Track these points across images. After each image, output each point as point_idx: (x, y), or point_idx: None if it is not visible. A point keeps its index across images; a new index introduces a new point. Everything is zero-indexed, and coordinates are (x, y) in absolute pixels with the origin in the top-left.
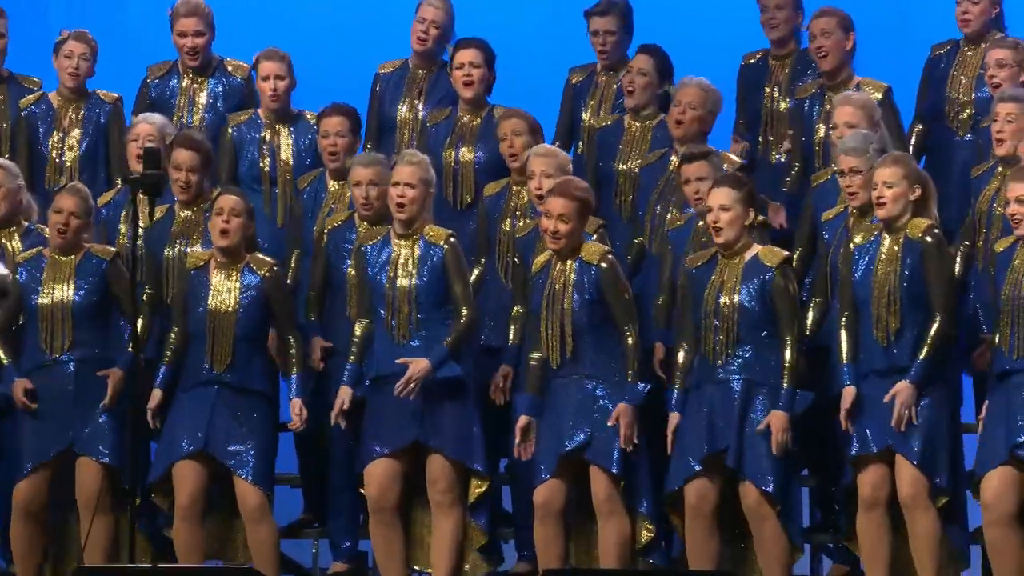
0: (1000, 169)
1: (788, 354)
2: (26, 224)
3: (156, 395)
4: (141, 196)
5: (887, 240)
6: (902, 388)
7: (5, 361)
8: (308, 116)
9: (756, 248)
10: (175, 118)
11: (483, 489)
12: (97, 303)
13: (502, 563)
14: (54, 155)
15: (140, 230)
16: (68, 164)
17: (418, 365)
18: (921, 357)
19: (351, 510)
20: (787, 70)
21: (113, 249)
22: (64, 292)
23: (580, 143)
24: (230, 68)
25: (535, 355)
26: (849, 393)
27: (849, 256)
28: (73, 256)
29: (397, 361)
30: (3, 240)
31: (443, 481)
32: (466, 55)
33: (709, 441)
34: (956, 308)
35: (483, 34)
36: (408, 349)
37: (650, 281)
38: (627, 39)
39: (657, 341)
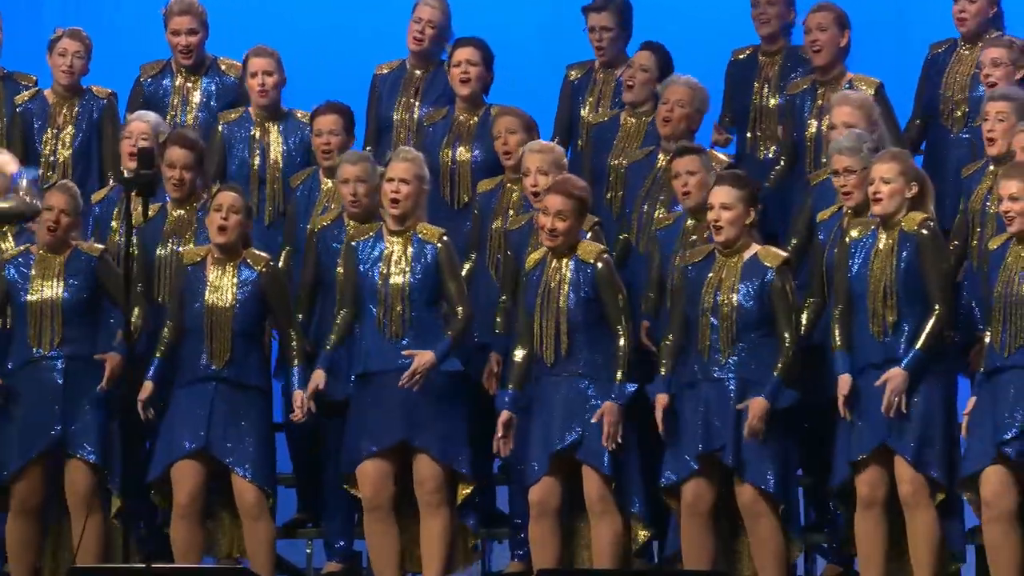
0: (992, 168)
1: (784, 351)
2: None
3: (147, 387)
4: (134, 196)
5: (883, 236)
6: (894, 374)
7: None
8: (299, 114)
9: (755, 248)
10: (168, 117)
11: (469, 491)
12: (86, 300)
13: (479, 558)
14: (47, 152)
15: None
16: (61, 161)
17: (423, 357)
18: (917, 346)
19: (346, 510)
20: (776, 67)
21: (100, 246)
22: (53, 290)
23: (579, 140)
24: (224, 67)
25: (520, 351)
26: (845, 381)
27: (845, 250)
28: (62, 254)
29: (404, 353)
30: None
31: (431, 482)
32: (463, 53)
33: (704, 440)
34: (954, 299)
35: (482, 33)
36: (399, 346)
37: (635, 277)
38: (625, 36)
39: (644, 321)
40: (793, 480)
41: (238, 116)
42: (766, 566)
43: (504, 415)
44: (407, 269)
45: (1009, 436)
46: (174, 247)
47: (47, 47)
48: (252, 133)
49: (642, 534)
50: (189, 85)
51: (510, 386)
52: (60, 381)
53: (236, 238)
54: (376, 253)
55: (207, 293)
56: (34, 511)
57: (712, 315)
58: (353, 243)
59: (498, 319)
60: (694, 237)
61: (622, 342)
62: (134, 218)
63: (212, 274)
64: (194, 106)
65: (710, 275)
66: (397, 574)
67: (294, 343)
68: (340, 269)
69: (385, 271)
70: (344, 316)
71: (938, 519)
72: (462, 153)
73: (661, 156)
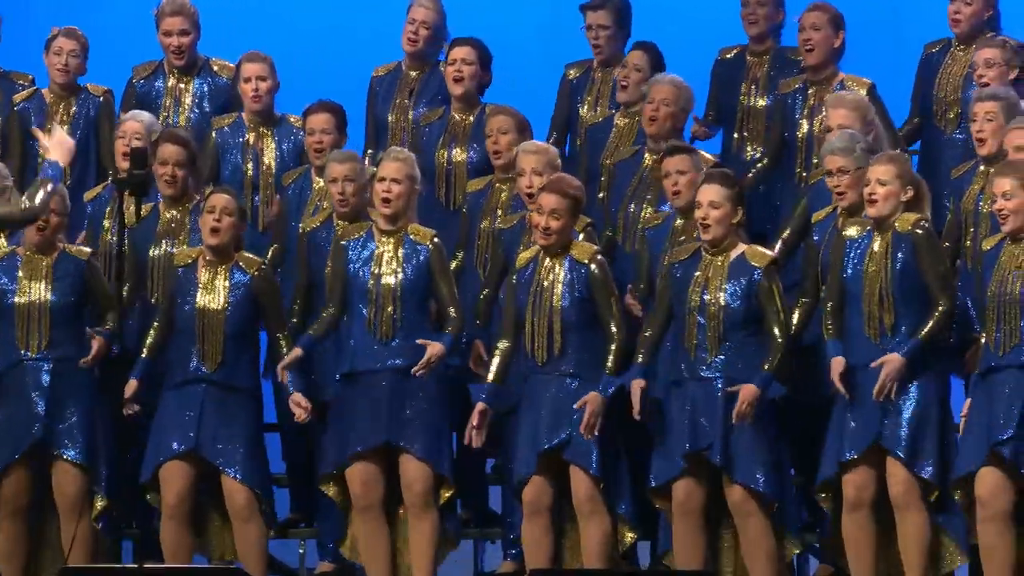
0: (982, 168)
1: (776, 347)
2: None
3: (132, 384)
4: (127, 195)
5: (877, 236)
6: (892, 359)
7: None
8: (292, 119)
9: (742, 247)
10: (161, 118)
11: (450, 494)
12: (74, 304)
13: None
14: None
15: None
16: None
17: (436, 347)
18: (920, 335)
19: (339, 510)
20: (765, 67)
21: (88, 250)
22: (41, 292)
23: (578, 139)
24: (216, 68)
25: (502, 345)
26: (838, 361)
27: (840, 249)
28: (49, 255)
29: (418, 341)
30: None
31: (419, 484)
32: (459, 52)
33: (692, 439)
34: (955, 295)
35: (480, 33)
36: (390, 347)
37: (620, 275)
38: (622, 35)
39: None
40: (786, 478)
41: (231, 122)
42: (757, 566)
43: (479, 406)
44: (399, 270)
45: (1004, 437)
46: (167, 248)
47: (44, 46)
48: (246, 139)
49: (629, 536)
50: (181, 86)
51: (489, 379)
52: (47, 384)
53: (229, 240)
54: (367, 253)
55: (199, 295)
56: (21, 512)
57: (699, 314)
58: (343, 242)
59: (479, 309)
60: (683, 237)
61: (614, 343)
62: (127, 218)
63: (204, 276)
64: (186, 107)
65: (697, 274)
66: (389, 573)
67: (284, 349)
68: (329, 268)
69: (376, 271)
70: (331, 313)
71: (929, 520)
72: (457, 154)
73: (648, 155)
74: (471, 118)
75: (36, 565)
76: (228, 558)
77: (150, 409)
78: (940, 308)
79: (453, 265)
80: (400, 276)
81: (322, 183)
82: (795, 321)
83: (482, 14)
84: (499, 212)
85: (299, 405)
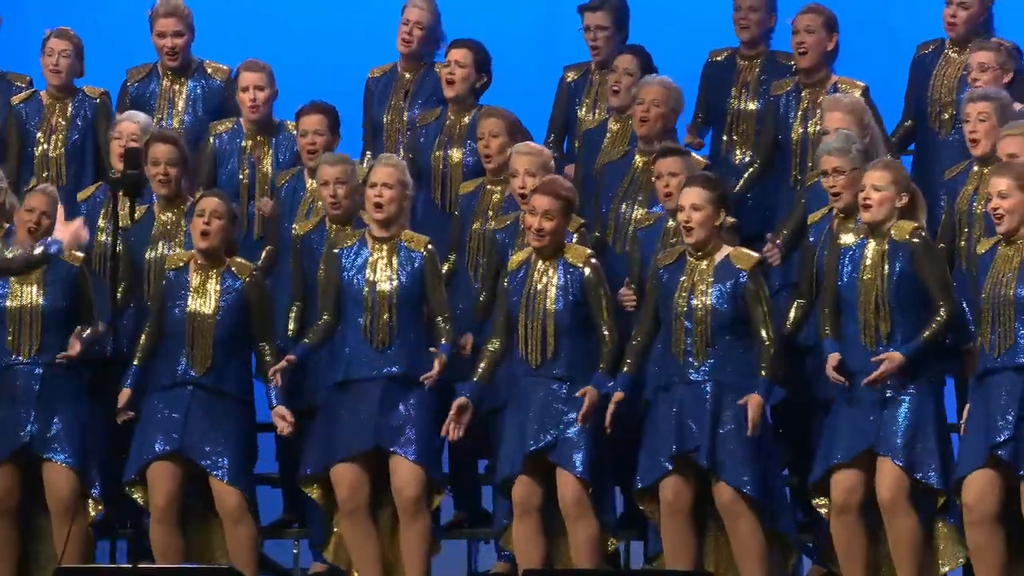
0: (976, 168)
1: (765, 350)
2: (7, 226)
3: (125, 393)
4: (121, 196)
5: (872, 244)
6: (893, 356)
7: None
8: (290, 126)
9: (727, 249)
10: (155, 120)
11: (441, 498)
12: (65, 309)
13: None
14: (38, 152)
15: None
16: (52, 159)
17: (443, 359)
18: (923, 336)
19: (322, 512)
20: (756, 71)
21: (81, 255)
22: (32, 296)
23: (576, 141)
24: (210, 70)
25: (491, 345)
26: (834, 356)
27: (835, 256)
28: None
29: (431, 349)
30: None
31: (410, 488)
32: (454, 54)
33: (678, 441)
34: (956, 300)
35: (478, 34)
36: (386, 354)
37: (611, 276)
38: (620, 36)
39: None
40: (777, 480)
41: (229, 128)
42: (747, 567)
43: (460, 400)
44: (393, 277)
45: (1001, 439)
46: (163, 251)
47: (40, 48)
48: (243, 145)
49: (611, 542)
50: (176, 87)
51: (475, 379)
52: (37, 388)
53: (219, 244)
54: (360, 260)
55: (189, 299)
56: (11, 512)
57: (686, 319)
58: (335, 250)
59: (477, 313)
60: (675, 239)
61: (608, 345)
62: (121, 218)
63: (195, 280)
64: (180, 110)
65: (682, 278)
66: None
67: (268, 358)
68: (321, 273)
69: (371, 278)
70: (326, 321)
71: (919, 525)
72: (453, 155)
73: (638, 157)
74: (467, 119)
75: (31, 567)
76: (218, 561)
77: (140, 413)
78: (942, 312)
79: (445, 268)
80: (395, 283)
81: (315, 184)
82: (791, 322)
83: (479, 15)
84: (490, 213)
85: (283, 419)
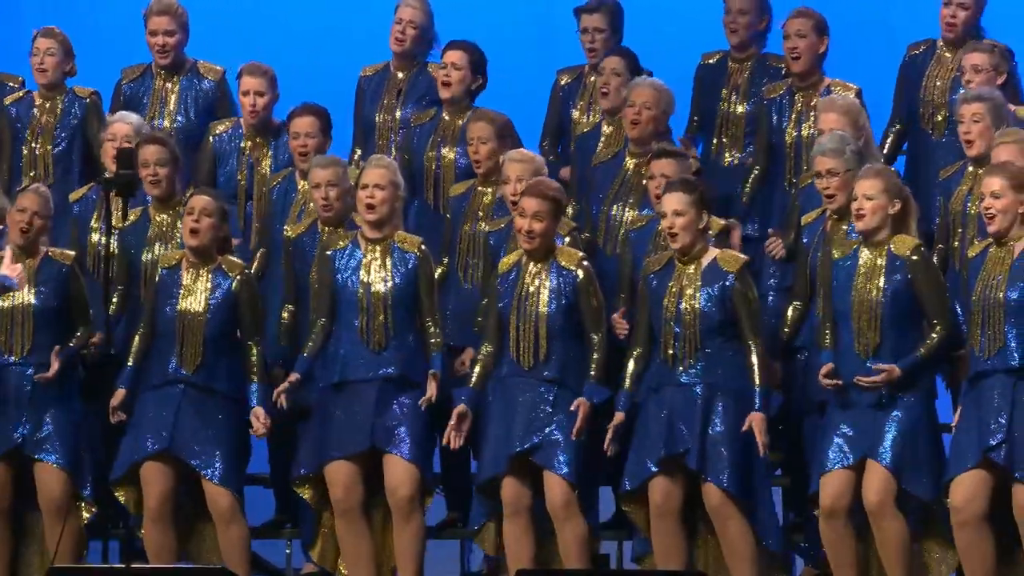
0: (971, 169)
1: (755, 357)
2: (0, 227)
3: (120, 393)
4: (114, 196)
5: (865, 253)
6: (893, 370)
7: None
8: None
9: (714, 252)
10: (147, 119)
11: (431, 498)
12: (56, 308)
13: None
14: (26, 152)
15: (114, 230)
16: (39, 157)
17: (433, 387)
18: (920, 353)
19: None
20: (746, 74)
21: (72, 253)
22: (23, 295)
23: (571, 144)
24: (203, 71)
25: (485, 350)
26: (827, 367)
27: (828, 268)
28: (32, 257)
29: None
30: None
31: (404, 488)
32: (450, 56)
33: (668, 444)
34: (954, 317)
35: (473, 35)
36: (382, 356)
37: (600, 278)
38: (616, 39)
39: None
40: (765, 487)
41: (229, 128)
42: (738, 568)
43: (460, 407)
44: (387, 278)
45: (994, 442)
46: (160, 251)
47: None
48: (242, 146)
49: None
50: (168, 86)
51: (471, 384)
52: (28, 388)
53: (209, 242)
54: (353, 262)
55: (181, 298)
56: (4, 513)
57: (675, 323)
58: (328, 252)
59: (479, 319)
60: (664, 242)
61: (598, 352)
62: (114, 219)
63: (186, 278)
64: (172, 110)
65: (671, 283)
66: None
67: (254, 359)
68: (313, 275)
69: (366, 280)
70: (323, 325)
71: (907, 528)
72: (446, 155)
73: (629, 158)
74: (461, 120)
75: (23, 567)
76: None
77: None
78: (939, 330)
79: (439, 271)
80: (390, 284)
81: (306, 186)
82: (788, 325)
83: (474, 16)
84: (480, 214)
85: (258, 419)
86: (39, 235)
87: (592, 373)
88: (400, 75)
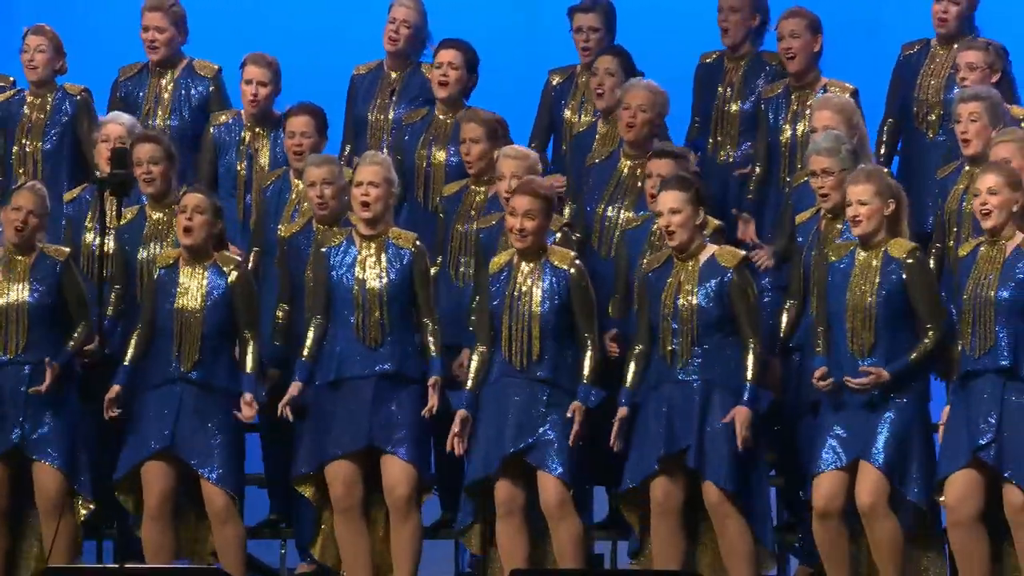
0: (967, 168)
1: (751, 353)
2: None
3: (114, 390)
4: (108, 196)
5: (861, 255)
6: (882, 373)
7: None
8: None
9: (711, 249)
10: (143, 116)
11: (428, 496)
12: (51, 306)
13: None
14: (16, 150)
15: (110, 229)
16: (28, 154)
17: (438, 384)
18: (911, 358)
19: (312, 509)
20: (741, 72)
21: (67, 250)
22: (18, 293)
23: (563, 143)
24: (198, 69)
25: (479, 350)
26: (820, 371)
27: (824, 271)
28: (28, 255)
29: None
30: None
31: (402, 487)
32: (446, 55)
33: (668, 441)
34: (948, 322)
35: (464, 34)
36: (378, 353)
37: (593, 278)
38: (610, 39)
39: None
40: (762, 484)
41: (229, 119)
42: (736, 566)
43: (461, 413)
44: (382, 274)
45: (984, 442)
46: (156, 250)
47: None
48: (242, 136)
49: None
50: (163, 83)
51: (468, 387)
52: (23, 387)
53: (203, 239)
54: (349, 259)
55: (178, 296)
56: (2, 512)
57: (673, 320)
58: (323, 249)
59: (472, 319)
60: (661, 241)
61: (590, 349)
62: (109, 219)
63: (183, 276)
64: (166, 107)
65: (669, 280)
66: (369, 574)
67: (250, 350)
68: (309, 274)
69: (361, 276)
70: (319, 324)
71: (899, 528)
72: (438, 155)
73: (624, 160)
74: (453, 119)
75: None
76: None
77: (132, 412)
78: (931, 335)
79: (433, 271)
80: (385, 280)
81: (301, 185)
82: (783, 324)
83: (467, 15)
84: (473, 213)
85: (248, 404)
86: (35, 233)
87: (585, 373)
88: (394, 75)
